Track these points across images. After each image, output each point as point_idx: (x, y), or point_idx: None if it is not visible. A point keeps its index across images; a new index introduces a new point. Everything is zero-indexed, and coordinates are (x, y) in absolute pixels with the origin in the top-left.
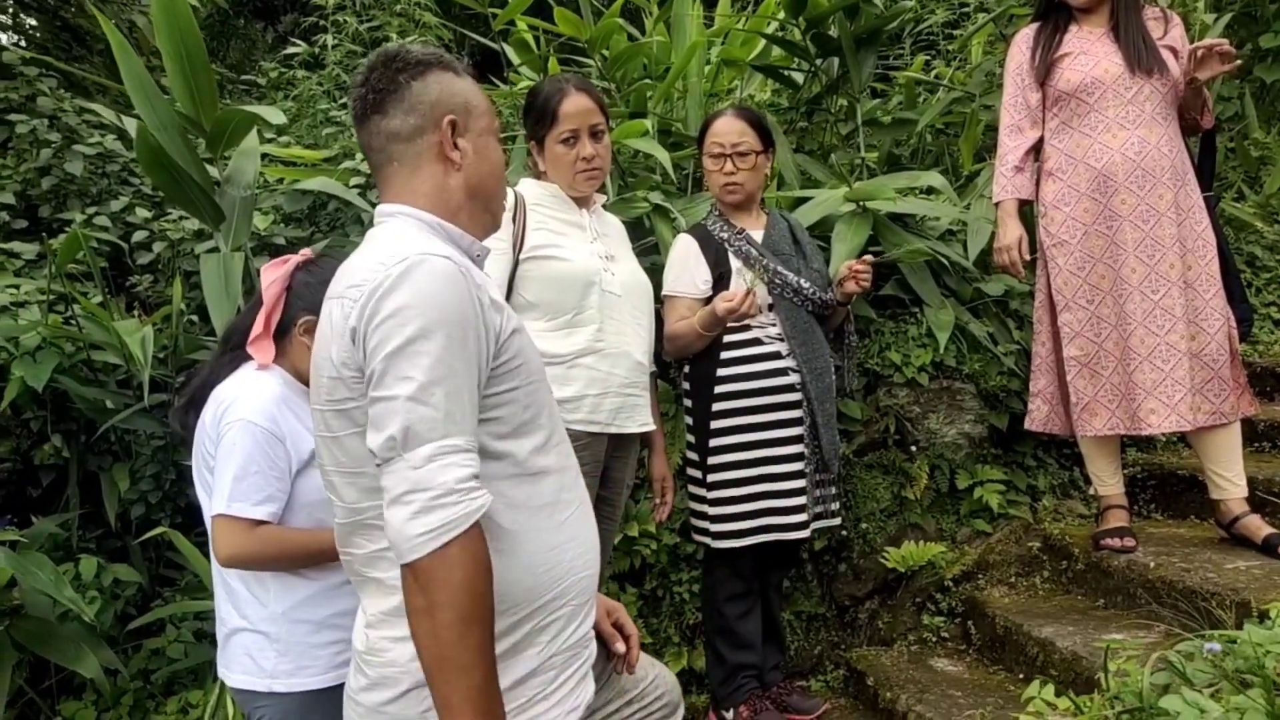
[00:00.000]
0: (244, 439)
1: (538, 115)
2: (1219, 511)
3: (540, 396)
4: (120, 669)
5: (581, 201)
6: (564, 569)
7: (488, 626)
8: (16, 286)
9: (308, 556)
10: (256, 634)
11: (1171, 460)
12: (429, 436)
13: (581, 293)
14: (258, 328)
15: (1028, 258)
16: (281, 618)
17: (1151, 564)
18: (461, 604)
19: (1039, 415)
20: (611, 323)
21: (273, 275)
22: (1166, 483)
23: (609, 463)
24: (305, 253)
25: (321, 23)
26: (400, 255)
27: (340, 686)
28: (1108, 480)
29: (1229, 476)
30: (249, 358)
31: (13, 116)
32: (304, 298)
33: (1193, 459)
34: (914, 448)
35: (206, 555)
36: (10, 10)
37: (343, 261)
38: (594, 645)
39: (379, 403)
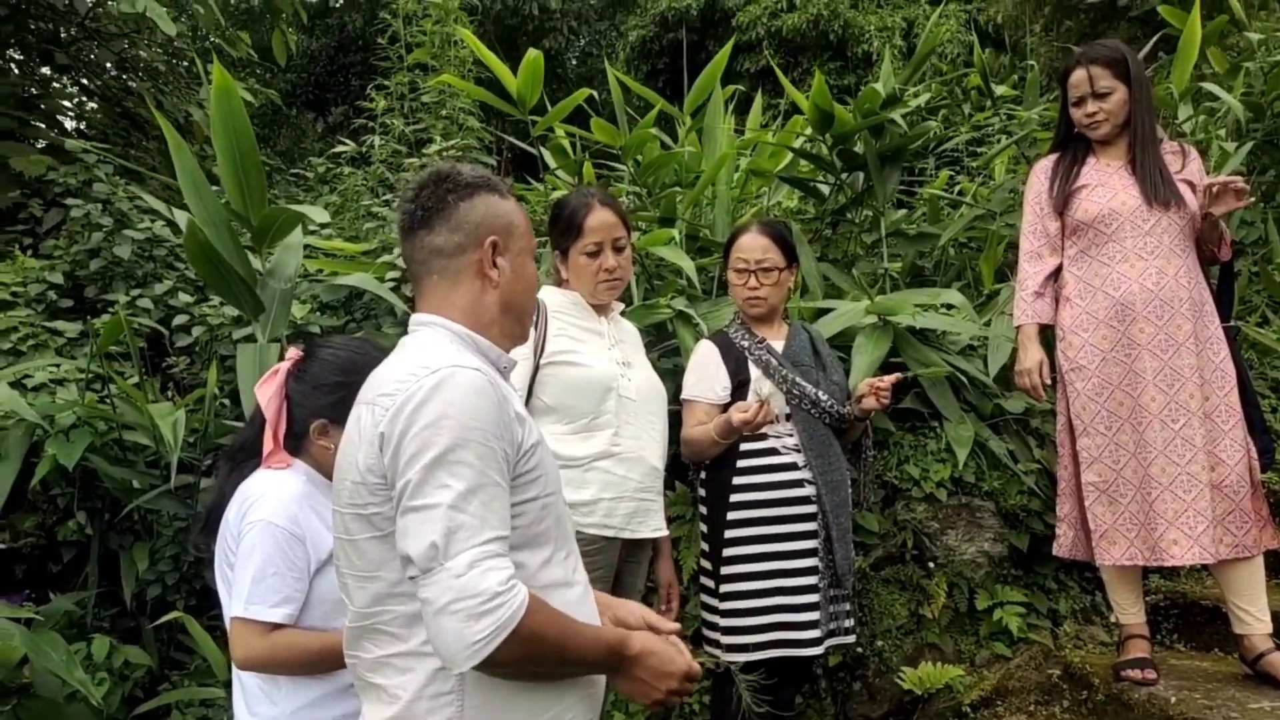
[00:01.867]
0: (264, 540)
1: (564, 227)
2: (1243, 647)
3: (553, 512)
4: None
5: (601, 309)
6: (567, 685)
7: (566, 644)
8: (57, 365)
9: (320, 662)
10: None
11: (1195, 589)
12: (468, 544)
13: (599, 398)
14: (268, 444)
15: (1048, 381)
16: (290, 717)
17: (1173, 699)
18: (543, 663)
19: (1065, 541)
20: (628, 427)
21: (268, 392)
22: (1189, 612)
23: (622, 567)
24: (293, 354)
25: (369, 123)
26: (432, 366)
27: None
28: (1129, 609)
29: (1252, 611)
30: (256, 469)
31: (69, 200)
32: (304, 405)
33: (1216, 589)
34: (932, 564)
35: (219, 641)
36: (75, 99)
37: (331, 346)
38: None
39: (417, 511)
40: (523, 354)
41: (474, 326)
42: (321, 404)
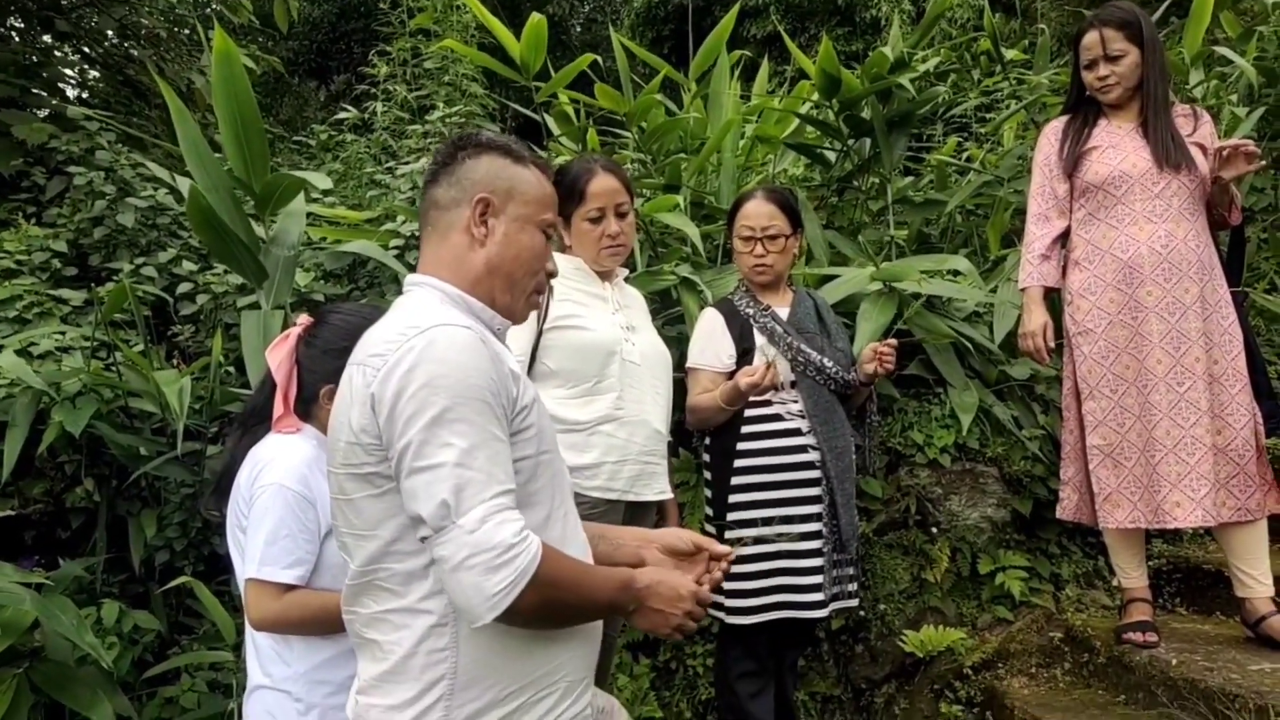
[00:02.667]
0: (276, 503)
1: (566, 193)
2: (1245, 609)
3: (548, 470)
4: (134, 716)
5: (605, 275)
6: (561, 644)
7: (581, 587)
8: (62, 333)
9: (333, 621)
10: (279, 692)
11: (1197, 554)
12: (478, 499)
13: (603, 362)
14: (279, 408)
15: (1052, 345)
16: (303, 677)
17: (1174, 661)
18: (561, 609)
19: (1069, 504)
20: (631, 391)
21: (279, 356)
22: (1192, 576)
23: None
24: (303, 320)
25: (372, 90)
26: (421, 325)
27: None
28: (1131, 573)
29: (1255, 574)
30: (267, 434)
31: (72, 168)
32: (314, 370)
33: (1219, 553)
34: (935, 529)
35: (227, 605)
36: (76, 66)
37: (340, 312)
38: None
39: (423, 472)
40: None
41: (462, 285)
42: (330, 369)
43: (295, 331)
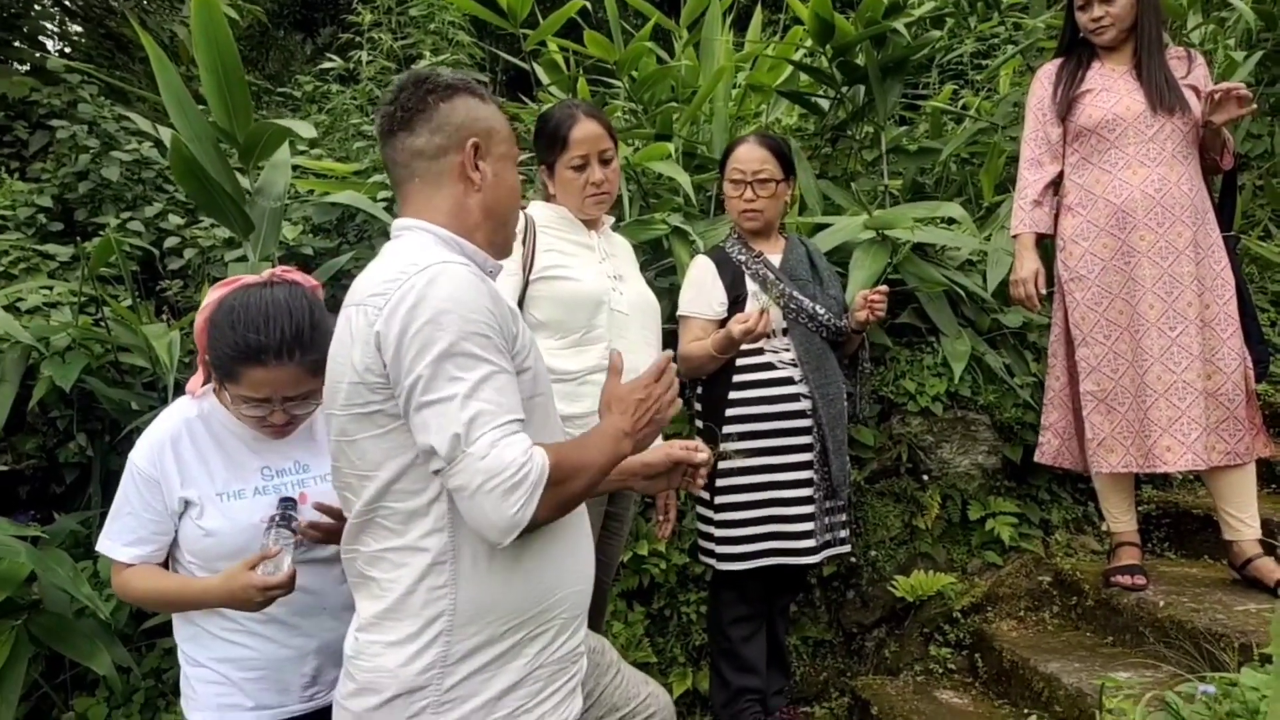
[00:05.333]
0: (126, 478)
1: (548, 141)
2: (1232, 552)
3: (542, 411)
4: (133, 667)
5: (590, 223)
6: (555, 582)
7: (585, 467)
8: (50, 288)
9: (180, 604)
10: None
11: (1186, 499)
12: (487, 427)
13: (591, 312)
14: (199, 365)
15: (1044, 292)
16: (181, 645)
17: (1161, 603)
18: (577, 495)
19: (1049, 449)
20: (621, 341)
21: (211, 297)
22: (1181, 521)
23: None
24: (272, 272)
25: (357, 39)
26: (422, 264)
27: None
28: (1120, 517)
29: (1243, 518)
30: None
31: (54, 122)
32: (212, 335)
33: (1208, 498)
34: (926, 477)
35: None
36: (56, 19)
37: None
38: (584, 661)
39: (433, 405)
40: (511, 270)
41: (458, 230)
42: (210, 339)
43: (244, 281)
